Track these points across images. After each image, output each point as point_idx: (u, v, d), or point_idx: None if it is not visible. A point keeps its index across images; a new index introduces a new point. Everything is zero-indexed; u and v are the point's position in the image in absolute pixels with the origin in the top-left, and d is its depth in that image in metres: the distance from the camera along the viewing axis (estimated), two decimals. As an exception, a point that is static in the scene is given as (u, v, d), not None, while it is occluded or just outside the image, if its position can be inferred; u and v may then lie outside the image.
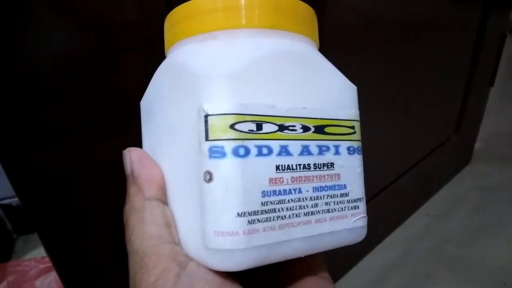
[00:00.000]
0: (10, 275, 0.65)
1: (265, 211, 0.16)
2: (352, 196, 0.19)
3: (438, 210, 0.89)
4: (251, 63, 0.16)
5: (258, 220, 0.15)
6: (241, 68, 0.16)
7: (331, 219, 0.18)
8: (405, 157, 0.80)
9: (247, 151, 0.15)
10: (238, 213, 0.15)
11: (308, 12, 0.20)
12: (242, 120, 0.15)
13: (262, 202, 0.16)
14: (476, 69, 0.82)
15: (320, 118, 0.18)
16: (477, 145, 1.03)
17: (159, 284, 0.15)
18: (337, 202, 0.18)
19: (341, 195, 0.18)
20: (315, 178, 0.17)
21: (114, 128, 0.33)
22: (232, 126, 0.15)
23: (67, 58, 0.29)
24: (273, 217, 0.16)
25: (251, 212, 0.15)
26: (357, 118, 0.19)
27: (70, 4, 0.27)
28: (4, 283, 0.64)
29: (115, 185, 0.35)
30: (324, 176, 0.18)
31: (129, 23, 0.30)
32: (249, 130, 0.15)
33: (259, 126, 0.16)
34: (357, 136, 0.19)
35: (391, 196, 0.77)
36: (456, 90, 0.84)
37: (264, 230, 0.16)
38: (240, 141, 0.15)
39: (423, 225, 0.86)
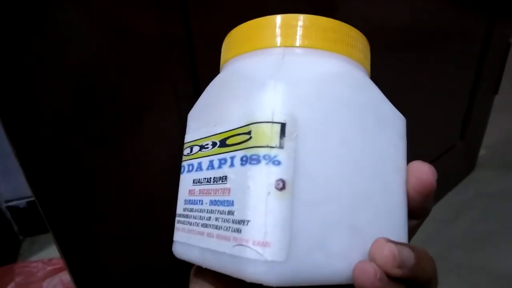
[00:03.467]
0: (17, 276, 0.66)
1: (184, 215, 0.19)
2: (237, 216, 0.15)
3: (443, 216, 0.89)
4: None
5: (180, 221, 0.19)
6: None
7: (217, 236, 0.16)
8: (410, 163, 0.80)
9: (183, 169, 0.20)
10: (176, 214, 0.20)
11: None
12: (185, 147, 0.20)
13: (183, 208, 0.19)
14: (481, 76, 0.83)
15: (224, 132, 0.17)
16: (482, 152, 1.03)
17: None
18: (224, 219, 0.16)
19: (228, 212, 0.16)
20: (212, 192, 0.17)
21: (130, 132, 0.34)
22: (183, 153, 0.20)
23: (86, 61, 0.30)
24: (186, 221, 0.19)
25: (178, 214, 0.20)
26: (258, 120, 0.15)
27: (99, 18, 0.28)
28: (12, 284, 0.64)
29: (127, 188, 0.35)
30: (218, 190, 0.17)
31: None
32: (187, 153, 0.20)
33: (191, 149, 0.19)
34: (255, 142, 0.15)
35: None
36: (460, 97, 0.84)
37: (183, 230, 0.19)
38: (183, 162, 0.20)
39: (428, 231, 0.86)
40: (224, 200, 0.16)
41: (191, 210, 0.18)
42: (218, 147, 0.17)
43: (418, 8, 0.59)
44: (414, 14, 0.59)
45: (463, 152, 0.94)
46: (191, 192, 0.19)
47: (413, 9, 0.59)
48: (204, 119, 0.19)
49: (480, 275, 0.75)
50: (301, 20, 0.17)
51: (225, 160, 0.16)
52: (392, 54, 0.59)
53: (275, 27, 0.17)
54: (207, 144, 0.18)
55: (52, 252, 0.84)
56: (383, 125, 0.18)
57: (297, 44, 0.17)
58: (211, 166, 0.17)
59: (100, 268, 0.38)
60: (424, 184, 0.18)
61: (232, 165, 0.16)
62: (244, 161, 0.15)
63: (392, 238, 0.16)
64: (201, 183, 0.18)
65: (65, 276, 0.67)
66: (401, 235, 0.17)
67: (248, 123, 0.15)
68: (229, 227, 0.15)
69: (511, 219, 0.86)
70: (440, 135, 0.85)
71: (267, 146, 0.14)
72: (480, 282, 0.73)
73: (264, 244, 0.14)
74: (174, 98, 0.34)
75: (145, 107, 0.34)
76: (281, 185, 0.14)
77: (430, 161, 0.87)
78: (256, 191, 0.14)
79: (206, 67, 0.37)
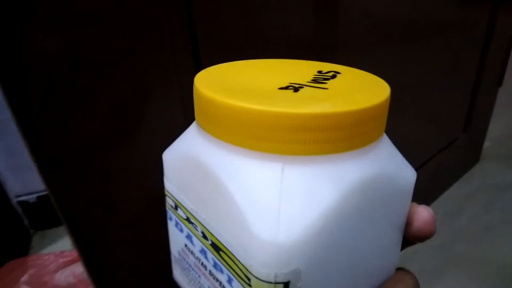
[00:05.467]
0: (31, 268, 0.67)
1: (179, 261, 0.21)
2: None
3: (447, 208, 0.90)
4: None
5: (177, 262, 0.21)
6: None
7: None
8: (414, 156, 0.81)
9: (170, 218, 0.20)
10: (171, 252, 0.21)
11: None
12: (167, 195, 0.20)
13: (178, 253, 0.20)
14: (484, 69, 0.83)
15: (218, 239, 0.15)
16: (486, 144, 1.04)
17: None
18: None
19: None
20: (209, 279, 0.17)
21: (141, 126, 0.35)
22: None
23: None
24: (184, 267, 0.20)
25: (174, 255, 0.21)
26: (258, 276, 0.13)
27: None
28: (26, 276, 0.66)
29: (141, 183, 0.36)
30: (215, 284, 0.17)
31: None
32: (171, 205, 0.19)
33: (176, 207, 0.19)
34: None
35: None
36: (464, 89, 0.85)
37: (181, 269, 0.21)
38: (167, 209, 0.20)
39: (432, 223, 0.87)
40: None
41: (187, 269, 0.20)
42: (211, 245, 0.16)
43: (421, 1, 0.60)
44: (417, 7, 0.60)
45: (467, 144, 0.94)
46: (185, 254, 0.19)
47: (415, 1, 0.59)
48: (185, 186, 0.17)
49: (483, 266, 0.76)
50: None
51: (222, 270, 0.16)
52: (394, 48, 0.60)
53: (275, 129, 0.13)
54: (197, 228, 0.17)
55: (62, 245, 0.86)
56: (393, 205, 0.17)
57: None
58: (204, 255, 0.17)
59: (112, 258, 0.39)
60: (425, 235, 0.18)
61: (229, 283, 0.15)
62: None
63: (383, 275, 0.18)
64: (196, 259, 0.18)
65: (76, 268, 0.68)
66: (391, 268, 0.18)
67: (248, 268, 0.14)
68: None
69: (514, 210, 0.87)
70: (444, 128, 0.85)
71: None
72: (483, 273, 0.74)
73: None
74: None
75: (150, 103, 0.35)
76: None
77: (435, 153, 0.87)
78: None
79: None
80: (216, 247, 0.16)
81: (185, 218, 0.18)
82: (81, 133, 0.32)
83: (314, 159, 0.13)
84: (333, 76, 0.17)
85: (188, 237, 0.18)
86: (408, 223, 0.18)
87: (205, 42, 0.36)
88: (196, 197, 0.17)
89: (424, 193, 0.89)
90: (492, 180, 0.97)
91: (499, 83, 0.92)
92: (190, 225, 0.18)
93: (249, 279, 0.14)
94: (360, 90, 0.16)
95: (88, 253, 0.37)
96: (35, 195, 0.88)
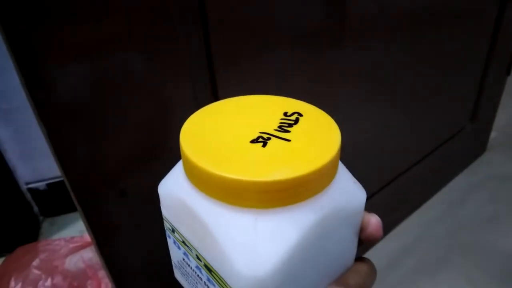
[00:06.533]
0: (41, 253, 0.69)
1: (178, 267, 0.24)
2: None
3: (453, 197, 0.90)
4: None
5: (176, 267, 0.24)
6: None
7: None
8: (421, 145, 0.81)
9: (169, 237, 0.23)
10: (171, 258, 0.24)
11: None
12: (165, 219, 0.22)
13: (178, 262, 0.23)
14: (492, 58, 0.82)
15: (210, 265, 0.19)
16: (493, 134, 1.03)
17: None
18: None
19: None
20: None
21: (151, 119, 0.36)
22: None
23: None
24: (183, 273, 0.23)
25: (173, 262, 0.24)
26: None
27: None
28: (37, 260, 0.67)
29: (150, 168, 0.37)
30: None
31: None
32: (169, 228, 0.22)
33: (173, 230, 0.22)
34: None
35: (406, 183, 0.79)
36: (472, 78, 0.84)
37: (181, 274, 0.24)
38: (166, 230, 0.23)
39: (437, 212, 0.87)
40: None
41: (186, 275, 0.23)
42: (204, 266, 0.20)
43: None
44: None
45: (474, 134, 0.94)
46: (183, 264, 0.22)
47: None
48: (179, 218, 0.21)
49: (488, 255, 0.76)
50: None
51: (214, 285, 0.19)
52: (402, 35, 0.59)
53: (248, 190, 0.17)
54: (191, 250, 0.20)
55: (71, 232, 0.88)
56: (347, 224, 0.20)
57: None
58: (199, 271, 0.21)
59: (123, 242, 0.40)
60: (375, 238, 0.21)
61: None
62: None
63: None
64: (192, 270, 0.21)
65: (86, 254, 0.70)
66: (349, 261, 0.22)
67: None
68: None
69: (520, 200, 0.87)
70: (451, 117, 0.85)
71: None
72: (488, 262, 0.75)
73: None
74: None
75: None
76: None
77: (441, 143, 0.88)
78: None
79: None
80: (208, 269, 0.19)
81: (181, 240, 0.21)
82: (94, 124, 0.33)
83: (279, 209, 0.17)
84: (296, 121, 0.20)
85: (185, 254, 0.22)
86: (362, 229, 0.21)
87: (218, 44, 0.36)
88: (188, 229, 0.20)
89: (430, 182, 0.89)
90: (498, 170, 0.97)
91: (508, 72, 0.91)
92: (185, 247, 0.21)
93: None
94: (317, 141, 0.19)
95: (101, 237, 0.38)
96: (45, 183, 0.89)
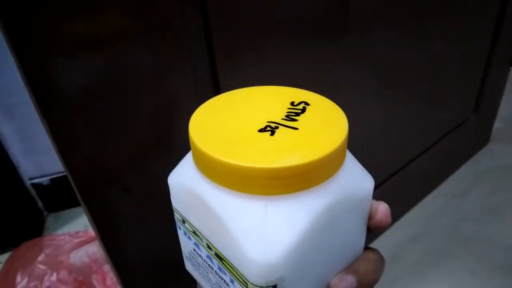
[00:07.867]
0: (46, 248, 0.69)
1: (189, 258, 0.24)
2: None
3: (456, 189, 0.90)
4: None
5: (187, 258, 0.24)
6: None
7: None
8: (424, 136, 0.80)
9: (179, 228, 0.23)
10: (182, 249, 0.24)
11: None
12: (175, 211, 0.22)
13: (188, 253, 0.23)
14: (496, 48, 0.82)
15: (221, 253, 0.19)
16: (496, 125, 1.03)
17: None
18: None
19: None
20: (215, 277, 0.21)
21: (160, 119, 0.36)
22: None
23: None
24: (194, 264, 0.23)
25: (184, 253, 0.24)
26: (253, 282, 0.18)
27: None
28: (42, 255, 0.68)
29: (153, 163, 0.37)
30: (221, 282, 0.21)
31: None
32: (179, 219, 0.22)
33: (183, 221, 0.22)
34: None
35: (409, 175, 0.79)
36: (475, 69, 0.84)
37: (192, 265, 0.24)
38: (176, 221, 0.23)
39: (440, 203, 0.87)
40: None
41: (197, 265, 0.23)
42: (215, 255, 0.20)
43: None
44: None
45: (477, 125, 0.94)
46: (194, 255, 0.23)
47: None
48: (189, 208, 0.21)
49: (491, 247, 0.76)
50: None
51: (225, 273, 0.20)
52: (405, 26, 0.59)
53: (257, 177, 0.17)
54: (202, 240, 0.21)
55: (75, 227, 0.88)
56: (356, 211, 0.21)
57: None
58: (210, 260, 0.21)
59: (127, 237, 0.41)
60: (384, 225, 0.22)
61: (232, 283, 0.19)
62: None
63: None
64: (203, 261, 0.22)
65: (90, 248, 0.70)
66: (358, 250, 0.22)
67: (245, 276, 0.18)
68: None
69: (524, 191, 0.87)
70: (454, 108, 0.85)
71: None
72: (491, 254, 0.75)
73: None
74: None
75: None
76: None
77: (444, 134, 0.87)
78: None
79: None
80: (219, 257, 0.19)
81: (192, 231, 0.21)
82: (96, 119, 0.33)
83: (289, 196, 0.17)
84: (303, 110, 0.20)
85: (196, 244, 0.22)
86: (370, 217, 0.21)
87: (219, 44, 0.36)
88: (199, 218, 0.20)
89: (433, 173, 0.89)
90: (502, 161, 0.97)
91: (511, 63, 0.91)
92: (196, 237, 0.21)
93: (246, 283, 0.18)
94: (324, 129, 0.19)
95: (105, 232, 0.38)
96: (49, 178, 0.89)
